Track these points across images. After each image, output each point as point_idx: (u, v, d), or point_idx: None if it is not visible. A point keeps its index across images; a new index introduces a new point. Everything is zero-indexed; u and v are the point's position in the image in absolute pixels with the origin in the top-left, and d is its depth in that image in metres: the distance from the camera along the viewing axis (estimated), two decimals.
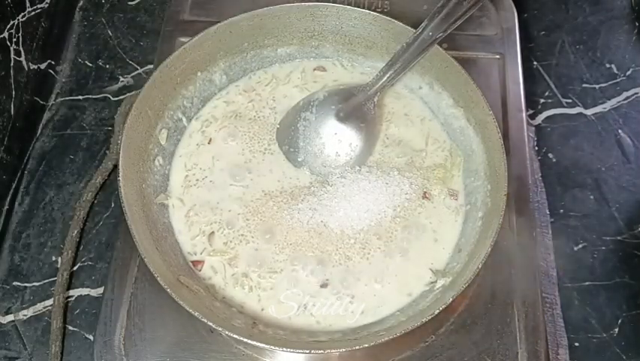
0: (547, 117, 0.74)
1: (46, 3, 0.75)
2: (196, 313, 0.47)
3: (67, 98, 0.75)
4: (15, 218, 0.68)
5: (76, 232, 0.65)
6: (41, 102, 0.74)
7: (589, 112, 0.74)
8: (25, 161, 0.71)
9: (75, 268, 0.64)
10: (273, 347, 0.49)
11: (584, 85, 0.76)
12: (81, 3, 0.83)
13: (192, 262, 0.56)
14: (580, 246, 0.65)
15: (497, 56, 0.70)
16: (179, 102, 0.62)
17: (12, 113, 0.68)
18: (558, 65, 0.77)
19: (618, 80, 0.76)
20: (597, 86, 0.76)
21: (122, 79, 0.77)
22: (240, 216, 0.58)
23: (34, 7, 0.72)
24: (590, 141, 0.72)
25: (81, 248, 0.65)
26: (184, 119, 0.63)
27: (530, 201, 0.62)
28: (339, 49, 0.66)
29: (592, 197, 0.68)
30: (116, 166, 0.64)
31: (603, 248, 0.65)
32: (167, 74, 0.59)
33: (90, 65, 0.78)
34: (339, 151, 0.60)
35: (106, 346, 0.55)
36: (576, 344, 0.61)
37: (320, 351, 0.49)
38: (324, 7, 0.62)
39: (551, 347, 0.59)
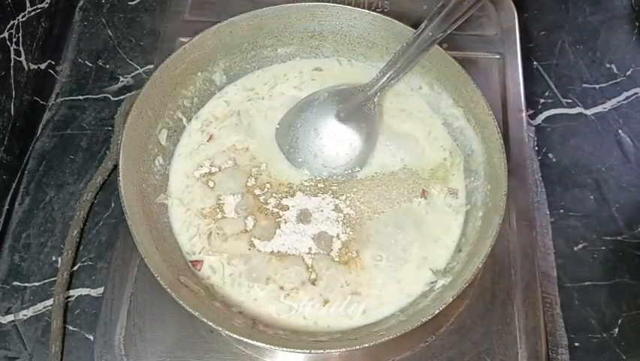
0: (547, 117, 0.74)
1: (46, 3, 0.75)
2: (196, 313, 0.47)
3: (67, 98, 0.75)
4: (15, 218, 0.68)
5: (76, 232, 0.65)
6: (41, 102, 0.74)
7: (589, 112, 0.74)
8: (25, 161, 0.71)
9: (75, 268, 0.64)
10: (273, 347, 0.49)
11: (584, 85, 0.76)
12: (81, 3, 0.83)
13: (191, 261, 0.56)
14: (580, 246, 0.65)
15: (497, 56, 0.70)
16: (179, 102, 0.62)
17: (12, 113, 0.68)
18: (558, 65, 0.77)
19: (618, 80, 0.76)
20: (597, 86, 0.75)
21: (122, 79, 0.76)
22: (239, 215, 0.58)
23: (34, 7, 0.72)
24: (590, 141, 0.72)
25: (81, 248, 0.65)
26: (184, 119, 0.63)
27: (530, 201, 0.62)
28: (339, 49, 0.66)
29: (592, 197, 0.68)
30: (116, 166, 0.64)
31: (603, 248, 0.65)
32: (167, 74, 0.59)
33: (90, 65, 0.78)
34: (340, 151, 0.60)
35: (106, 346, 0.55)
36: (576, 344, 0.61)
37: (320, 351, 0.49)
38: (324, 7, 0.62)
39: (551, 347, 0.59)
